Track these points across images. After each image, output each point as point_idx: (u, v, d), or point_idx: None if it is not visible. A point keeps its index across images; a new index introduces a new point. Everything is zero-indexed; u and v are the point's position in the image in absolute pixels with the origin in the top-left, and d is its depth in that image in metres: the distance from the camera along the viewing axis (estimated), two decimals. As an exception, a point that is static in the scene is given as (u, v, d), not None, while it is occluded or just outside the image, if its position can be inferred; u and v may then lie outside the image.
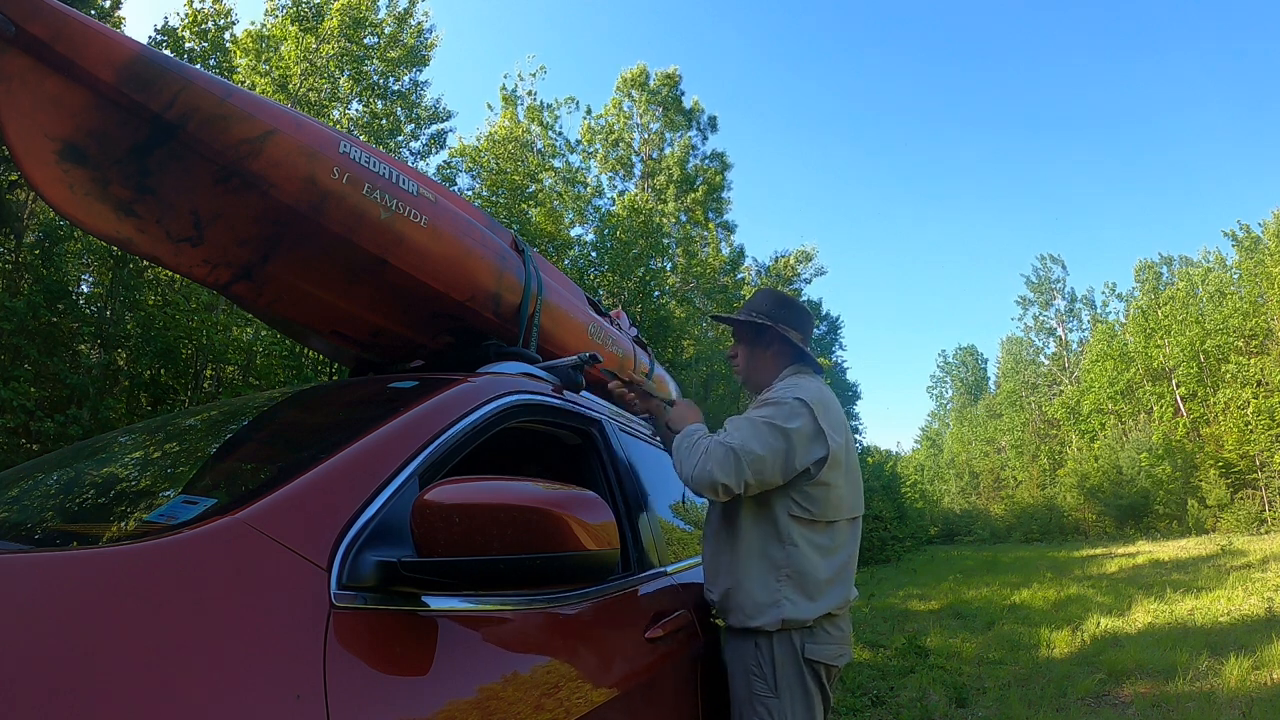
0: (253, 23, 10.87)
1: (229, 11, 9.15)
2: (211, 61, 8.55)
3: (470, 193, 12.17)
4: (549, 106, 18.14)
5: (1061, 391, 36.92)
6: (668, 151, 19.94)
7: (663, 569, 1.76)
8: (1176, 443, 25.74)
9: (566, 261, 12.38)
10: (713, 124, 20.52)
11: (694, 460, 1.62)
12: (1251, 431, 22.44)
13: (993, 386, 48.25)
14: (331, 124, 7.20)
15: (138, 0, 24.86)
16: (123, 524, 1.07)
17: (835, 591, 1.65)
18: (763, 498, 1.65)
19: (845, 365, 26.80)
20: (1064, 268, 40.63)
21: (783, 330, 1.81)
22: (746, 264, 21.46)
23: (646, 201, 16.79)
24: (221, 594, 0.75)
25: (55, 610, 0.66)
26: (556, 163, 18.17)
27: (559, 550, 0.91)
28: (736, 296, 19.36)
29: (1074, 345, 39.47)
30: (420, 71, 12.44)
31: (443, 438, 1.14)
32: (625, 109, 20.20)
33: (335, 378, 2.61)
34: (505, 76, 19.80)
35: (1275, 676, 4.29)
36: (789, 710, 1.57)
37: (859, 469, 1.77)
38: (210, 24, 8.78)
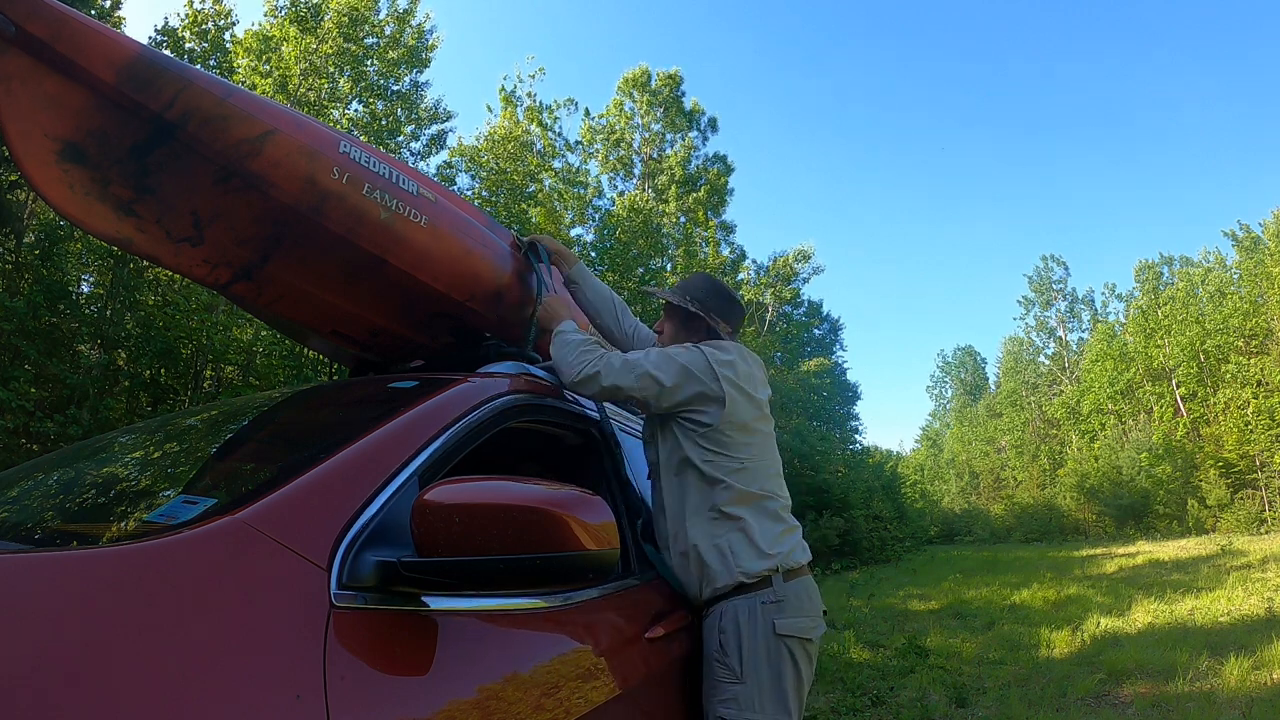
0: (254, 24, 10.88)
1: (229, 12, 9.17)
2: (211, 62, 8.56)
3: (470, 193, 12.17)
4: (548, 107, 18.17)
5: (1061, 391, 36.93)
6: (669, 152, 19.97)
7: (663, 569, 1.75)
8: (1176, 443, 25.72)
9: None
10: (713, 125, 20.62)
11: (584, 361, 1.63)
12: (1251, 431, 22.43)
13: (993, 386, 48.28)
14: (331, 124, 7.20)
15: (138, 0, 24.91)
16: (123, 524, 1.07)
17: (789, 541, 1.56)
18: (677, 456, 1.62)
19: (845, 366, 26.74)
20: (1065, 269, 40.77)
21: (712, 321, 1.80)
22: (746, 263, 21.47)
23: (647, 201, 16.79)
24: (221, 594, 0.75)
25: (56, 610, 0.66)
26: (556, 163, 18.17)
27: (559, 550, 0.90)
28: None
29: (1074, 346, 39.53)
30: (421, 73, 12.45)
31: (443, 438, 1.14)
32: (626, 109, 20.23)
33: (335, 378, 2.61)
34: (504, 77, 19.81)
35: (1275, 676, 4.29)
36: (756, 696, 1.41)
37: (768, 434, 1.70)
38: (210, 24, 8.79)
